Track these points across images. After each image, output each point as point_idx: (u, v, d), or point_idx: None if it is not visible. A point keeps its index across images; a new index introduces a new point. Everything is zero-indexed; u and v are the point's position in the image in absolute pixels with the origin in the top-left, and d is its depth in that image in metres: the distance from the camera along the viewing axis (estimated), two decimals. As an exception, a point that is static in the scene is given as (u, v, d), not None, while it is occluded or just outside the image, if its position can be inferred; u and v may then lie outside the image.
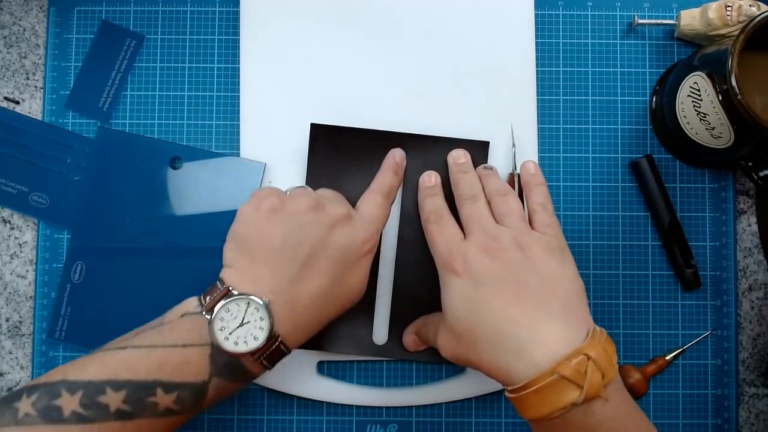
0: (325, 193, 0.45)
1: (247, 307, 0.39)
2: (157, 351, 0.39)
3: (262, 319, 0.39)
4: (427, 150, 0.49)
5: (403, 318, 0.48)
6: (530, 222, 0.44)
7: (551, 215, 0.44)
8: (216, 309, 0.39)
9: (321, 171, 0.49)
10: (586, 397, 0.36)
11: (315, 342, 0.48)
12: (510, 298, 0.39)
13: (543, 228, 0.43)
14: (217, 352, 0.39)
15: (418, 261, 0.48)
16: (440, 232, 0.44)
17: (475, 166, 0.48)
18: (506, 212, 0.43)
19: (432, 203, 0.46)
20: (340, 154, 0.49)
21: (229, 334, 0.39)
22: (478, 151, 0.49)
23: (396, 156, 0.48)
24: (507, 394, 0.39)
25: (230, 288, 0.40)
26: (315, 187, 0.46)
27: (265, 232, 0.41)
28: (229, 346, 0.39)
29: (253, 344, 0.39)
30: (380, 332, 0.49)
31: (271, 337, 0.39)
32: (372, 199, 0.46)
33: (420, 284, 0.48)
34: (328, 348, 0.48)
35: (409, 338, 0.48)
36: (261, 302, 0.39)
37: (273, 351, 0.40)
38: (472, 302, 0.40)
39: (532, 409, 0.37)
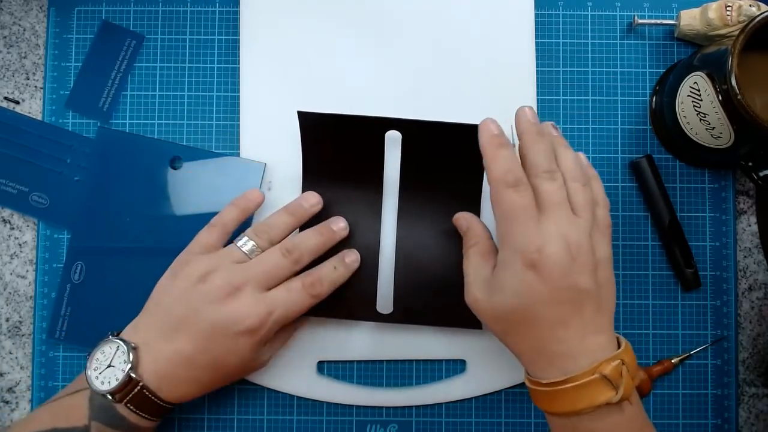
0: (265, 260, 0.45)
1: (117, 350, 0.43)
2: (59, 400, 0.43)
3: (125, 362, 0.42)
4: (417, 133, 0.47)
5: (406, 285, 0.48)
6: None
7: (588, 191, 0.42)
8: (95, 350, 0.43)
9: (316, 160, 0.49)
10: (623, 397, 0.38)
11: (323, 311, 0.47)
12: (574, 305, 0.39)
13: (593, 211, 0.41)
14: (93, 394, 0.42)
15: (419, 230, 0.48)
16: (519, 200, 0.39)
17: (469, 151, 0.44)
18: (583, 205, 0.41)
19: (505, 160, 0.40)
20: (333, 142, 0.48)
21: (99, 374, 0.42)
22: (468, 135, 0.45)
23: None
24: (534, 386, 0.40)
25: (112, 333, 0.44)
26: (314, 177, 0.48)
27: (158, 289, 0.45)
28: (96, 384, 0.42)
29: (114, 384, 0.42)
30: (385, 301, 0.49)
31: (130, 379, 0.42)
32: (287, 283, 0.45)
33: (422, 252, 0.48)
34: (337, 315, 0.48)
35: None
36: (126, 347, 0.43)
37: (138, 396, 0.42)
38: (538, 299, 0.39)
39: (565, 404, 0.38)
